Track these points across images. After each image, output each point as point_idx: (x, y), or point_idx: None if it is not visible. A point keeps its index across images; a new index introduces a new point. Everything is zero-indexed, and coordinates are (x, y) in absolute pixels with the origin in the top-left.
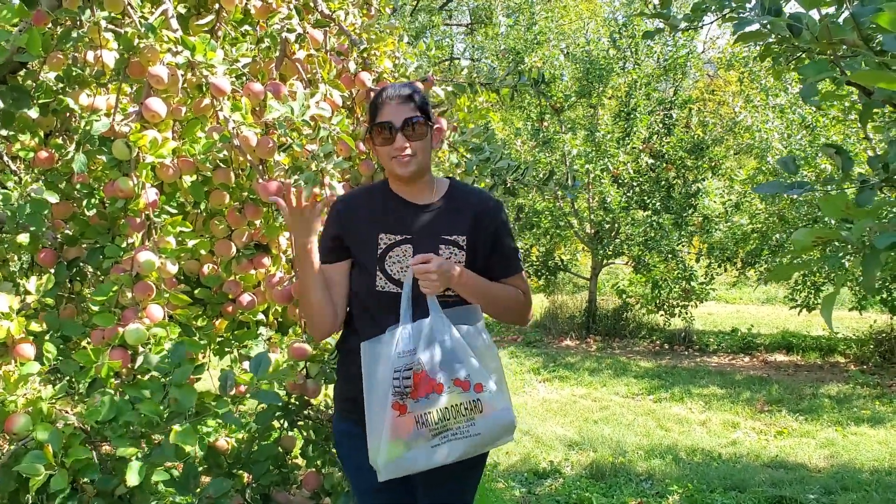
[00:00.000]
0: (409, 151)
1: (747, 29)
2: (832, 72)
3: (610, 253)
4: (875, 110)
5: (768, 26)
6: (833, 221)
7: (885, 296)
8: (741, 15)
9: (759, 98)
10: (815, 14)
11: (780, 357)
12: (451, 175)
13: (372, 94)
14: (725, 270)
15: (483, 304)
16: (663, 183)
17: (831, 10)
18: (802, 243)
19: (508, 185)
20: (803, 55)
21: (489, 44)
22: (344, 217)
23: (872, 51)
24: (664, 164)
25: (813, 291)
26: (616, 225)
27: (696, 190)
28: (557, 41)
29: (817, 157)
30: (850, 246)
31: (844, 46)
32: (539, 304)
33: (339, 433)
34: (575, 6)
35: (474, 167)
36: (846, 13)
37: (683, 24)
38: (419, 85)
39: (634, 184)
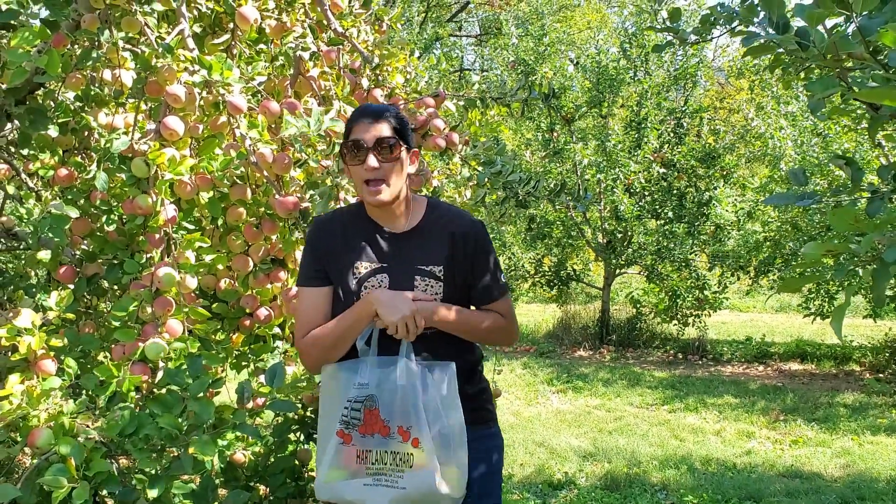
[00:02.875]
0: (380, 174)
1: (756, 42)
2: (839, 87)
3: (622, 262)
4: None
5: (776, 41)
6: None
7: None
8: (749, 29)
9: (772, 106)
10: (824, 27)
11: (794, 366)
12: (463, 187)
13: None
14: (738, 279)
15: (464, 334)
16: (675, 192)
17: (840, 20)
18: (813, 255)
19: (520, 197)
20: (813, 66)
21: (499, 55)
22: (322, 241)
23: (880, 63)
24: (676, 173)
25: (827, 300)
26: (628, 234)
27: (709, 199)
28: (567, 51)
29: (829, 165)
30: (858, 259)
31: (852, 60)
32: (552, 314)
33: None
34: (583, 16)
35: (486, 180)
36: (854, 26)
37: (693, 38)
38: (397, 108)
39: (646, 193)
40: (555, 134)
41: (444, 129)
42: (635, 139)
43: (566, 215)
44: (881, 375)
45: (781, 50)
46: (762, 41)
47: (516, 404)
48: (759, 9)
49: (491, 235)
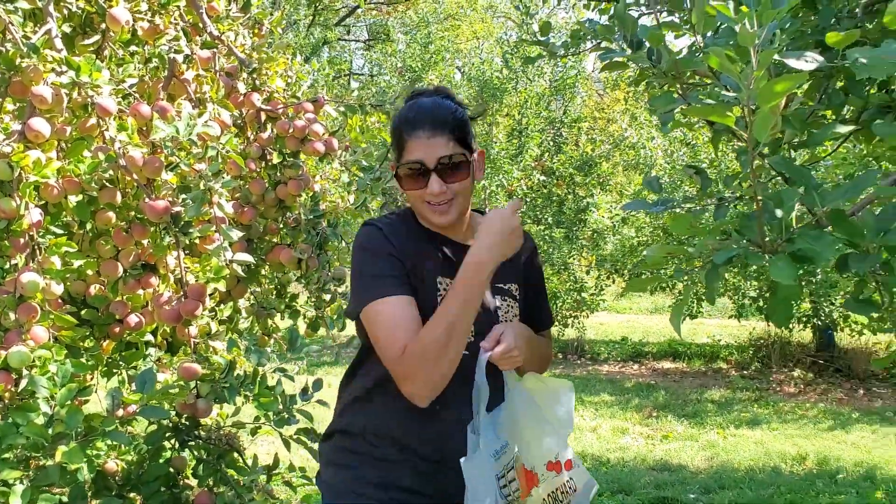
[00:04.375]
0: (446, 197)
1: (612, 59)
2: (679, 103)
3: None
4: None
5: (630, 58)
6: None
7: (761, 304)
8: (608, 46)
9: (644, 117)
10: (683, 42)
11: (667, 364)
12: (346, 192)
13: (262, 115)
14: (614, 282)
15: (528, 362)
16: (555, 198)
17: (698, 38)
18: (654, 258)
19: (399, 203)
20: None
21: (387, 60)
22: (395, 242)
23: (720, 82)
24: (555, 181)
25: (694, 301)
26: None
27: (586, 205)
28: (453, 59)
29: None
30: (695, 260)
31: (697, 77)
32: None
33: None
34: (470, 26)
35: (367, 186)
36: (702, 45)
37: (562, 52)
38: (453, 105)
39: (528, 199)
40: None
41: (324, 134)
42: (517, 147)
43: None
44: (745, 372)
45: (636, 68)
46: (617, 58)
47: None
48: (615, 27)
49: None
